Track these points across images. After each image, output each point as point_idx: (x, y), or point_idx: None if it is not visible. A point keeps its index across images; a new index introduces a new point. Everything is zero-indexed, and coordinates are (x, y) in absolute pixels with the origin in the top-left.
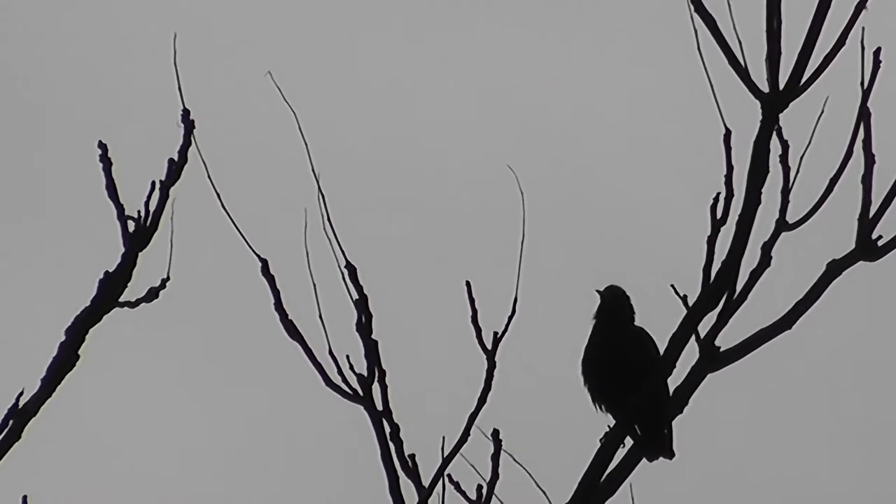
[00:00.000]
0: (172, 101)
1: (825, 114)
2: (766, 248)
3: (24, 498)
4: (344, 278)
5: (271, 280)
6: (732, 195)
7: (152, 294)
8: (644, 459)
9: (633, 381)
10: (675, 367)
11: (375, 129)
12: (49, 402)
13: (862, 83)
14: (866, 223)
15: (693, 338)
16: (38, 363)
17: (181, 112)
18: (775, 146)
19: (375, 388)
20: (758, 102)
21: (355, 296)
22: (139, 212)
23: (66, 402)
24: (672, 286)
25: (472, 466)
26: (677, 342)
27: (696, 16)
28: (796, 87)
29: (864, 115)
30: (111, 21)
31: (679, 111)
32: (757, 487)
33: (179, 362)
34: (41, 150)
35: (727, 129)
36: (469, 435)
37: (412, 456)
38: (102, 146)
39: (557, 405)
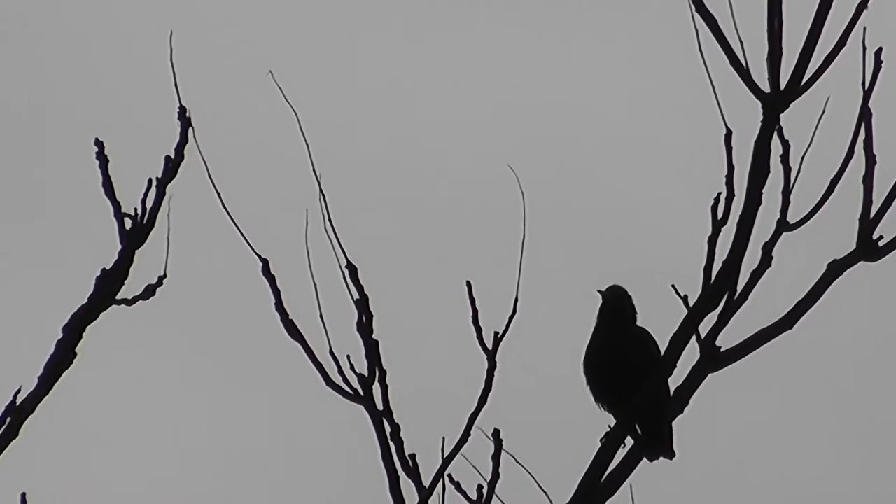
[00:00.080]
0: (170, 99)
1: (826, 114)
2: (767, 249)
3: (23, 496)
4: (345, 278)
5: (272, 280)
6: (733, 195)
7: (149, 291)
8: (644, 459)
9: (634, 381)
10: (675, 367)
11: (376, 129)
12: (46, 400)
13: (863, 83)
14: (867, 223)
15: (694, 338)
16: (36, 361)
17: (178, 109)
18: (776, 146)
19: (376, 387)
20: (759, 102)
21: (356, 296)
22: (136, 209)
23: (63, 400)
24: (673, 286)
25: (473, 466)
26: (678, 342)
27: (696, 15)
28: (797, 88)
29: (865, 116)
30: (109, 19)
31: (680, 111)
32: (757, 487)
33: (177, 360)
34: (38, 148)
35: (728, 129)
36: (469, 435)
37: (412, 456)
38: (99, 143)
39: (558, 405)
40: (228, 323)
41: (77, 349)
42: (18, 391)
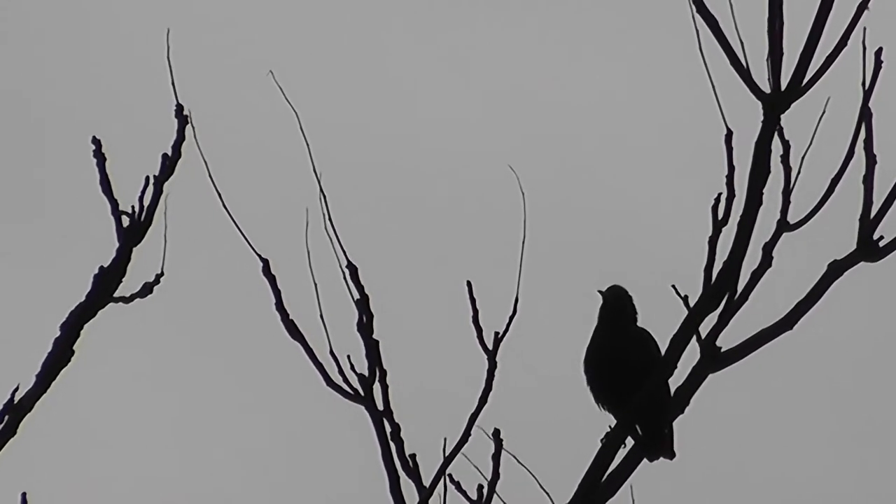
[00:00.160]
0: (168, 97)
1: (827, 114)
2: (768, 249)
3: (24, 495)
4: (345, 278)
5: (272, 280)
6: (734, 196)
7: (147, 289)
8: (645, 460)
9: (635, 381)
10: (676, 367)
11: (376, 128)
12: (44, 398)
13: (863, 83)
14: (868, 224)
15: (694, 338)
16: (34, 359)
17: (175, 107)
18: (777, 146)
19: (376, 387)
20: (759, 103)
21: (356, 296)
22: (133, 207)
23: (61, 398)
24: (673, 287)
25: (474, 466)
26: (678, 342)
27: (697, 16)
28: (798, 88)
29: (865, 116)
30: (108, 18)
31: (680, 111)
32: (757, 487)
33: (176, 359)
34: (35, 146)
35: (728, 129)
36: (470, 435)
37: (413, 456)
38: (96, 142)
39: (558, 405)
40: (228, 322)
41: (75, 347)
42: (16, 389)
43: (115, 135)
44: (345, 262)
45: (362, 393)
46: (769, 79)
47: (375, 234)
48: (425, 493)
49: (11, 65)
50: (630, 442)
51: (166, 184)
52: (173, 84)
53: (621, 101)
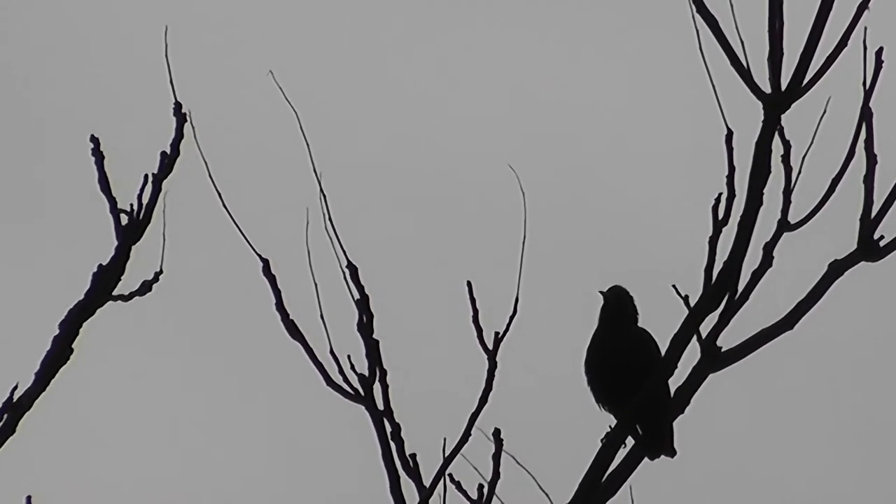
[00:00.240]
0: (166, 95)
1: (827, 114)
2: (768, 249)
3: (28, 499)
4: (345, 278)
5: (272, 280)
6: (734, 196)
7: (145, 287)
8: (645, 459)
9: (635, 381)
10: (676, 367)
11: (377, 128)
12: (43, 396)
13: (864, 83)
14: (868, 223)
15: (695, 338)
16: (33, 357)
17: (173, 105)
18: (777, 146)
19: (376, 387)
20: (760, 103)
21: (356, 295)
22: (132, 205)
23: (60, 396)
24: (674, 286)
25: (474, 467)
26: (679, 342)
27: (697, 16)
28: (798, 88)
29: (866, 116)
30: (107, 17)
31: (680, 111)
32: (758, 487)
33: (175, 358)
34: (34, 145)
35: (729, 129)
36: (470, 435)
37: (413, 455)
38: (95, 140)
39: (558, 405)
40: (227, 321)
41: (74, 345)
42: (15, 388)
43: (114, 133)
44: (345, 262)
45: (362, 393)
46: (769, 79)
47: (375, 233)
48: (425, 493)
49: (10, 64)
50: (630, 442)
51: (165, 182)
52: (172, 82)
53: (621, 101)
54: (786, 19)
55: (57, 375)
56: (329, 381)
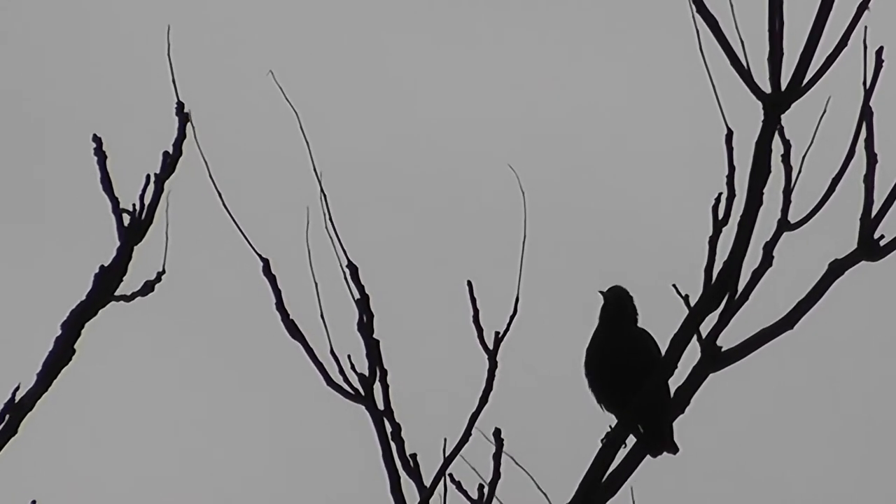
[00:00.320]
0: (168, 95)
1: (827, 113)
2: (768, 249)
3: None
4: (345, 278)
5: (273, 280)
6: (734, 195)
7: (148, 288)
8: (645, 460)
9: (636, 381)
10: (676, 367)
11: (377, 128)
12: (45, 397)
13: (864, 83)
14: (868, 223)
15: (695, 338)
16: (35, 358)
17: (175, 105)
18: (777, 146)
19: (377, 387)
20: (760, 103)
21: (357, 295)
22: (134, 205)
23: (62, 397)
24: (674, 286)
25: (472, 468)
26: (679, 342)
27: (697, 16)
28: (798, 88)
29: (866, 115)
30: (108, 17)
31: (680, 111)
32: (758, 487)
33: (176, 358)
34: (36, 144)
35: (729, 129)
36: (470, 435)
37: (413, 455)
38: (97, 140)
39: (559, 405)
40: (228, 321)
41: (76, 346)
42: (17, 388)
43: (116, 133)
44: (345, 262)
45: (362, 393)
46: (769, 79)
47: (375, 233)
48: (426, 493)
49: (11, 64)
50: (631, 442)
51: (167, 182)
52: (174, 82)
53: (621, 101)
54: (786, 19)
55: (59, 376)
56: (329, 381)
